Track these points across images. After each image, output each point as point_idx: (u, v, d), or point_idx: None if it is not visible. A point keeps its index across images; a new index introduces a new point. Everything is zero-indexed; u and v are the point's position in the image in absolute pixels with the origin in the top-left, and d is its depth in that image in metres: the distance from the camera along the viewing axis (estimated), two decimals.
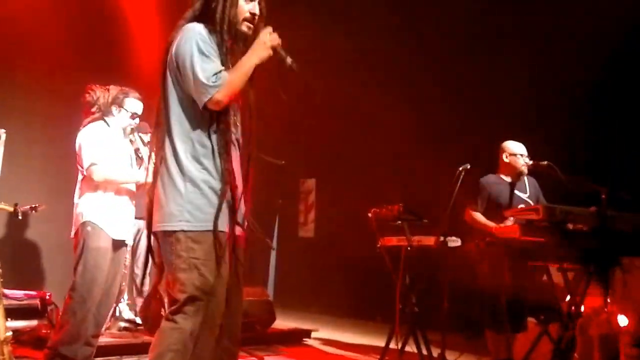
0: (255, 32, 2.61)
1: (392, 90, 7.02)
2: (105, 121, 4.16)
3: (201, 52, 2.46)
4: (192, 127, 2.52)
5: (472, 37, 6.54)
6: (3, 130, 5.71)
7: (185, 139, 2.51)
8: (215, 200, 2.47)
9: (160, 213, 2.52)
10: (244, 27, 2.59)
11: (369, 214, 5.01)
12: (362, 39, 7.15)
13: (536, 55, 6.17)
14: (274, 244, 8.35)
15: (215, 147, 2.50)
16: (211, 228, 2.45)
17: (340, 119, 7.56)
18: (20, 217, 3.99)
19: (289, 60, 2.56)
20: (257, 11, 2.61)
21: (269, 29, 2.56)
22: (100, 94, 4.19)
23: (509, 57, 6.28)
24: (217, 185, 2.49)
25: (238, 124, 2.65)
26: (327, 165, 7.88)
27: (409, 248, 4.69)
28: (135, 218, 4.31)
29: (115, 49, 7.16)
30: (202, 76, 2.42)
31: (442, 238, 4.50)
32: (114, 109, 4.17)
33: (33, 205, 4.16)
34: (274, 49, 2.53)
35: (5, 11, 6.12)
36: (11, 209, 3.91)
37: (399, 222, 4.80)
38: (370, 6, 7.06)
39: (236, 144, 2.61)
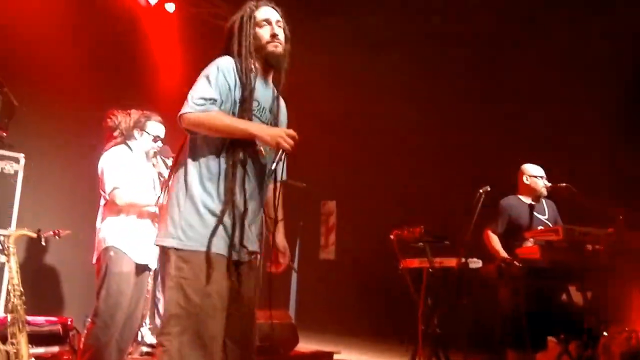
0: (285, 53, 2.71)
1: (413, 112, 7.04)
2: (127, 145, 4.16)
3: (207, 77, 2.57)
4: (203, 151, 2.59)
5: (491, 58, 6.58)
6: (22, 155, 5.86)
7: (196, 162, 2.59)
8: (211, 221, 2.49)
9: (160, 228, 2.60)
10: (271, 47, 2.67)
11: (391, 236, 5.07)
12: (383, 62, 7.19)
13: (554, 77, 6.18)
14: (295, 265, 8.36)
15: (222, 171, 2.55)
16: (202, 248, 2.46)
17: (361, 141, 7.59)
18: (44, 243, 4.04)
19: (273, 165, 2.55)
20: (276, 32, 2.69)
21: (293, 134, 2.53)
22: (121, 119, 4.20)
23: (528, 80, 6.31)
24: (217, 207, 2.51)
25: (264, 150, 2.67)
26: (348, 187, 7.90)
27: (430, 269, 4.73)
28: None
29: (137, 73, 7.22)
30: (190, 93, 2.54)
31: (463, 259, 4.55)
32: (136, 132, 4.17)
33: (56, 231, 4.22)
34: (277, 146, 2.52)
35: (25, 36, 6.20)
36: (34, 234, 3.99)
37: (421, 243, 4.86)
38: (391, 30, 7.11)
39: (251, 171, 2.63)
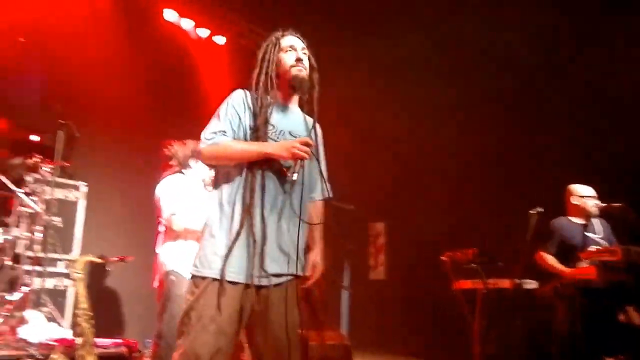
0: (311, 79, 2.81)
1: (462, 132, 7.00)
2: (183, 173, 4.33)
3: (217, 114, 2.72)
4: (223, 179, 2.70)
5: (539, 78, 6.54)
6: (83, 183, 6.10)
7: (217, 191, 2.70)
8: (222, 249, 2.56)
9: None
10: (295, 71, 2.76)
11: (443, 258, 5.10)
12: (431, 82, 7.18)
13: (605, 96, 6.11)
14: (345, 285, 8.40)
15: (237, 197, 2.61)
16: (210, 275, 2.54)
17: (409, 162, 7.57)
18: (110, 269, 4.20)
19: (295, 176, 2.60)
20: (300, 56, 2.78)
21: (306, 141, 2.61)
22: (178, 148, 4.37)
23: (579, 98, 6.25)
24: (230, 234, 2.57)
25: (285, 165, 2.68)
26: (397, 208, 7.89)
27: (484, 291, 4.74)
28: None
29: (190, 103, 7.37)
30: (204, 131, 2.69)
31: (517, 280, 4.55)
32: (192, 161, 4.33)
33: (121, 257, 4.39)
34: (294, 157, 2.59)
35: (84, 70, 6.46)
36: (100, 260, 4.16)
37: (474, 265, 4.87)
38: (440, 52, 7.12)
39: (275, 191, 2.65)
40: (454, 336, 5.51)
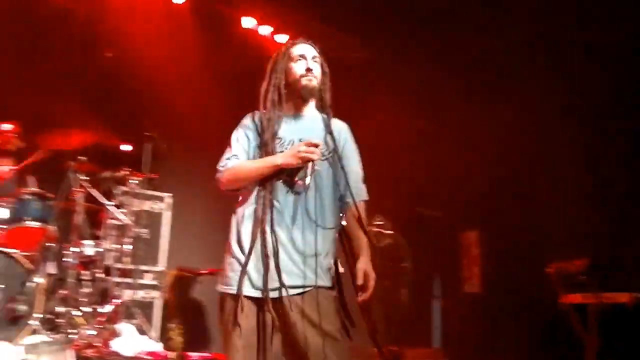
0: (324, 86, 2.83)
1: (568, 129, 6.54)
2: None
3: (230, 141, 2.79)
4: (240, 199, 2.75)
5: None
6: (168, 195, 6.17)
7: (235, 213, 2.74)
8: (236, 265, 2.60)
9: None
10: (305, 81, 2.76)
11: (549, 269, 4.78)
12: (536, 81, 6.78)
13: None
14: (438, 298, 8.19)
15: (249, 214, 2.65)
16: (227, 291, 2.59)
17: (505, 163, 7.18)
18: (199, 281, 4.17)
19: (307, 180, 2.61)
20: (311, 66, 2.77)
21: (311, 142, 2.60)
22: None
23: None
24: (246, 247, 2.61)
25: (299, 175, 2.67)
26: (492, 214, 7.52)
27: (598, 306, 4.39)
28: None
29: None
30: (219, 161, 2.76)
31: (638, 294, 4.18)
32: None
33: (211, 269, 4.36)
34: (303, 161, 2.60)
35: (167, 81, 6.56)
36: (190, 274, 4.13)
37: (585, 276, 4.53)
38: (544, 49, 6.76)
39: (289, 204, 2.64)
40: (564, 357, 5.14)
